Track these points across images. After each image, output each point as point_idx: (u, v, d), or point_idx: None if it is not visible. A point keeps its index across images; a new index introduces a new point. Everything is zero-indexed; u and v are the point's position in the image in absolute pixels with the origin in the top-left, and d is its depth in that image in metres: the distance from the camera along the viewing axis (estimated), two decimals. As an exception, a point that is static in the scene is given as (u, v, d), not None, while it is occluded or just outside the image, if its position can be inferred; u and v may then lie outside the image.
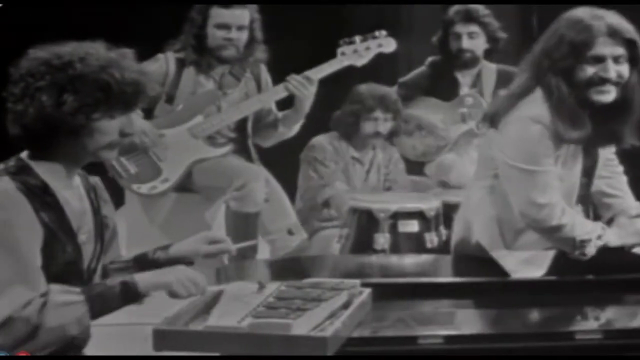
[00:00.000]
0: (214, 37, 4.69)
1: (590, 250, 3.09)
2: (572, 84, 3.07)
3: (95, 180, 2.54)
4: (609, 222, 3.26)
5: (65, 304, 2.27)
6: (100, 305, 2.31)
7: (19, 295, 2.23)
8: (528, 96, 3.12)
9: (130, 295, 2.34)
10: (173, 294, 2.42)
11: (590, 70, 3.05)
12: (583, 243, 3.08)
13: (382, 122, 4.80)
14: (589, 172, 3.24)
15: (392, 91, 4.90)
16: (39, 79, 2.28)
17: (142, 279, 2.37)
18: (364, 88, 4.83)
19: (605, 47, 3.04)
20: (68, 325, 2.27)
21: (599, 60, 3.05)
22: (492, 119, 3.18)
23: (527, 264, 3.14)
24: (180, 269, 2.45)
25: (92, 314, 2.30)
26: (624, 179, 3.45)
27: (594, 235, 3.09)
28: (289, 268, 2.85)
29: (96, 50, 2.34)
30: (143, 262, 2.58)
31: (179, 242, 2.62)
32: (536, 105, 3.09)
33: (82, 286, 2.34)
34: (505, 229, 3.21)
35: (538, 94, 3.10)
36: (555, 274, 3.09)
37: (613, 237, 3.15)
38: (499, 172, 3.18)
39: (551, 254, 3.13)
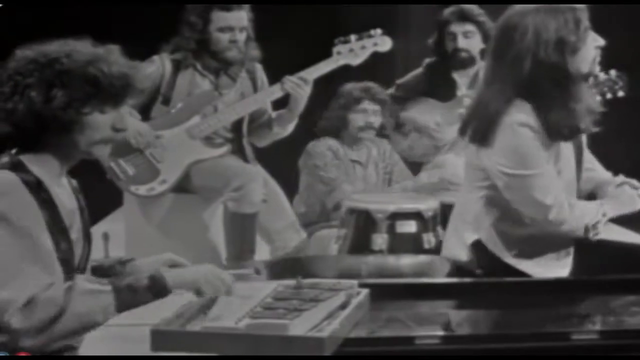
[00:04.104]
0: (219, 40, 4.68)
1: (600, 229, 3.16)
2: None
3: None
4: (590, 196, 3.31)
5: (93, 291, 2.27)
6: (127, 297, 2.30)
7: (37, 277, 2.23)
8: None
9: (159, 289, 2.34)
10: (199, 293, 2.43)
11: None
12: (595, 226, 3.14)
13: (371, 114, 4.81)
14: (578, 160, 3.27)
15: (375, 84, 4.91)
16: (27, 77, 2.30)
17: (170, 275, 2.37)
18: (348, 85, 4.88)
19: None
20: (94, 313, 2.27)
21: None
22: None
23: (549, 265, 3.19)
24: (207, 268, 2.46)
25: (119, 306, 2.30)
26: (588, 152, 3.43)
27: (600, 215, 3.15)
28: (287, 268, 2.86)
29: (82, 47, 2.36)
30: (100, 273, 2.53)
31: (141, 259, 2.59)
32: (518, 110, 3.08)
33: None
34: (509, 234, 3.21)
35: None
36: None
37: (610, 209, 3.20)
38: (498, 183, 3.15)
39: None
